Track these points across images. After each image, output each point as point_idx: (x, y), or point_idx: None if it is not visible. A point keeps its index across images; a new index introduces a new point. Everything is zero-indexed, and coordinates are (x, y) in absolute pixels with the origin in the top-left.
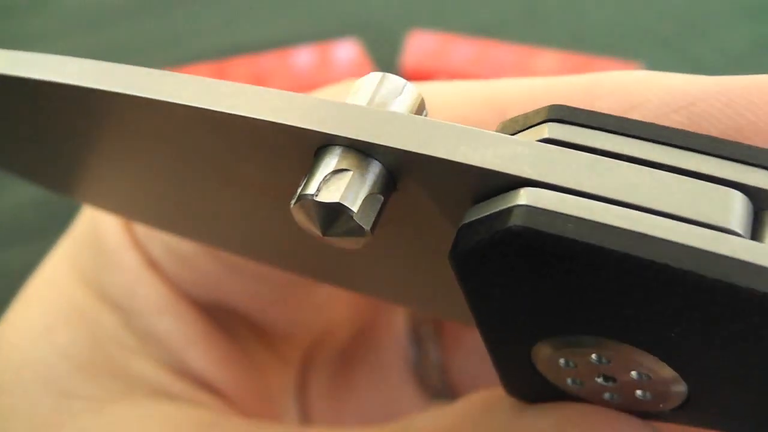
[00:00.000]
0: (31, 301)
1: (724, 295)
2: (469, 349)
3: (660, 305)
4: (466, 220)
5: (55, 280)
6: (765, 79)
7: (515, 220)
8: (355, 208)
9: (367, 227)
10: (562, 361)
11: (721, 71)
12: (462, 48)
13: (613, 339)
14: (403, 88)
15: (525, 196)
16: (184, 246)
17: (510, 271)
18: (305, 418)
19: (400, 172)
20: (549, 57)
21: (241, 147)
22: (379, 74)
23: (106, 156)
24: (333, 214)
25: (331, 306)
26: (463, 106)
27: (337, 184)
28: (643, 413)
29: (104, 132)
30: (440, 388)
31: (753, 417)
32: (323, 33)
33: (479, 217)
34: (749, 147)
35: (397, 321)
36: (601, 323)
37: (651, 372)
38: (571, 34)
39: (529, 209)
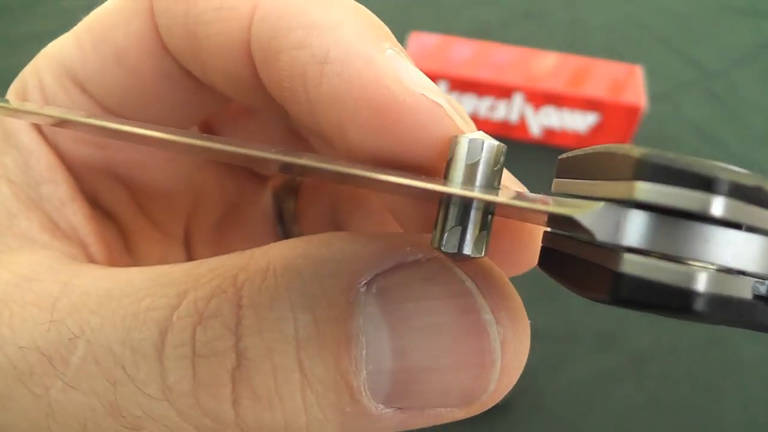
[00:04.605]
0: None
1: None
2: (319, 203)
3: None
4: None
5: None
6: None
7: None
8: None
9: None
10: None
11: (721, 71)
12: (462, 49)
13: None
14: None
15: None
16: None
17: None
18: None
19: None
20: (548, 58)
21: None
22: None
23: None
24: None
25: (200, 173)
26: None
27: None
28: None
29: None
30: (296, 234)
31: None
32: None
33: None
34: None
35: (265, 192)
36: None
37: None
38: (570, 35)
39: None
